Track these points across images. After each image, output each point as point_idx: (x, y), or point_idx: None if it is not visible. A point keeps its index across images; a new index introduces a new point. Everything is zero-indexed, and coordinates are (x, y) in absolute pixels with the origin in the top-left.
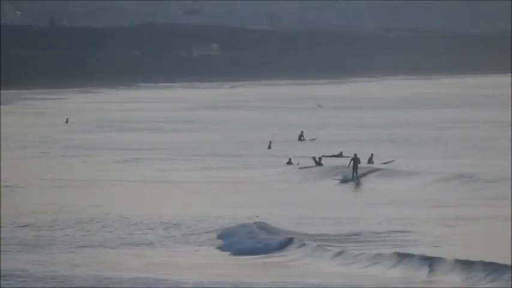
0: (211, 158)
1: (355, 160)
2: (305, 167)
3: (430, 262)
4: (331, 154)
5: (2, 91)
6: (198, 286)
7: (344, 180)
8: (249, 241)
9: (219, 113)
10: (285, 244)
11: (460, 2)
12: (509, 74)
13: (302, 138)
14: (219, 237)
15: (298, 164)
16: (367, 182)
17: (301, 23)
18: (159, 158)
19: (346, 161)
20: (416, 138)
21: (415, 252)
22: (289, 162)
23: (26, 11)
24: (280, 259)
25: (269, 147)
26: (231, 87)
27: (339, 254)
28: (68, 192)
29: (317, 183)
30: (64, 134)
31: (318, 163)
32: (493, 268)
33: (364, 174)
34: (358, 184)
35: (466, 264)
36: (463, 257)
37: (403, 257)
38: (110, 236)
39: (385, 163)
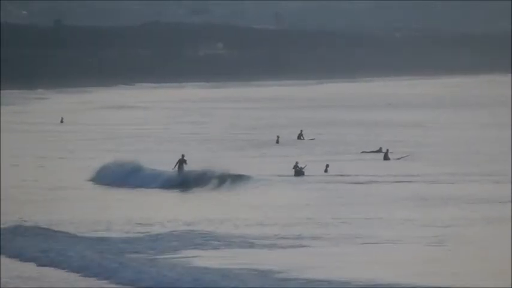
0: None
1: (181, 162)
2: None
3: None
4: (370, 150)
5: (7, 91)
6: None
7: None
8: None
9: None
10: None
11: (466, 2)
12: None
13: (301, 137)
14: None
15: (305, 167)
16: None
17: (308, 23)
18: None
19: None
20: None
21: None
22: (295, 166)
23: (32, 11)
24: None
25: (277, 141)
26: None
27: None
28: None
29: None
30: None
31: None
32: None
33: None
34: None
35: None
36: None
37: None
38: None
39: (399, 158)
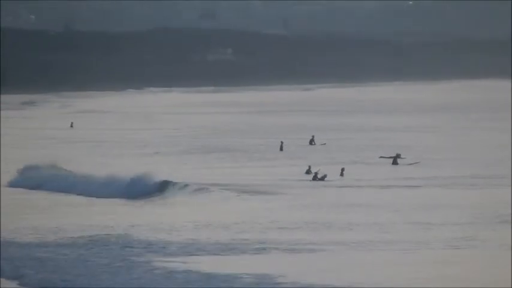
0: None
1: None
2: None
3: None
4: (388, 156)
5: (13, 95)
6: None
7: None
8: None
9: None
10: None
11: (475, 6)
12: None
13: (313, 142)
14: None
15: (318, 170)
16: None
17: (317, 28)
18: None
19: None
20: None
21: None
22: (308, 171)
23: (40, 15)
24: None
25: (281, 148)
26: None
27: None
28: None
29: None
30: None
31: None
32: None
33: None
34: None
35: None
36: None
37: None
38: None
39: (410, 164)
